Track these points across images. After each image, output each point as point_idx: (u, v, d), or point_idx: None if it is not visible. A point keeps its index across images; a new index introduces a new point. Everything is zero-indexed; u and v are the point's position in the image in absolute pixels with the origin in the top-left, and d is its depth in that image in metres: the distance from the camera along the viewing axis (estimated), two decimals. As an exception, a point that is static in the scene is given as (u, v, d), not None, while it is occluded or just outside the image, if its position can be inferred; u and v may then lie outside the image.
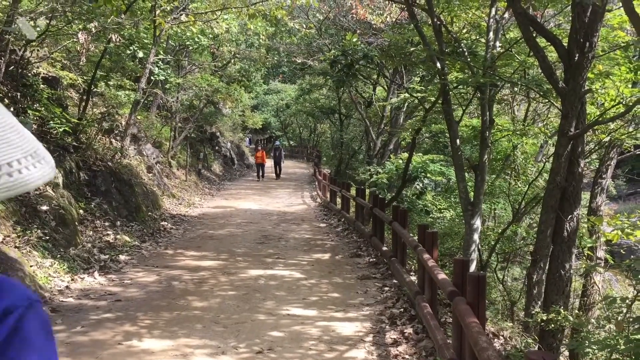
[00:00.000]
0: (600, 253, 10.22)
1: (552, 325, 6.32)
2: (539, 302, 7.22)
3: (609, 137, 9.73)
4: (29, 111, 9.17)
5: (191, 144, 23.04)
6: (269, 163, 27.65)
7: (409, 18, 11.97)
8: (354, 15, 18.80)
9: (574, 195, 7.19)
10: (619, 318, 5.22)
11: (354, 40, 12.39)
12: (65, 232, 8.17)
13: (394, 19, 17.06)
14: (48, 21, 9.22)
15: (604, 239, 9.86)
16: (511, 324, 8.60)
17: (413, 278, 7.13)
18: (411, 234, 8.27)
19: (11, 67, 9.23)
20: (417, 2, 10.64)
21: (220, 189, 22.40)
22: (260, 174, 26.31)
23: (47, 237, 7.68)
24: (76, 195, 9.61)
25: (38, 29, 9.40)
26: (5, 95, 8.87)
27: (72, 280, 7.29)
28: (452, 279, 4.78)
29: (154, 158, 17.45)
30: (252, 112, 37.06)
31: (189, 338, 5.35)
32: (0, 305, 0.82)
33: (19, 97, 9.36)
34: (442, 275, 4.99)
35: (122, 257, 8.86)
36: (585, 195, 11.04)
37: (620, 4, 6.67)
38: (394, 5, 16.81)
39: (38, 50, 10.21)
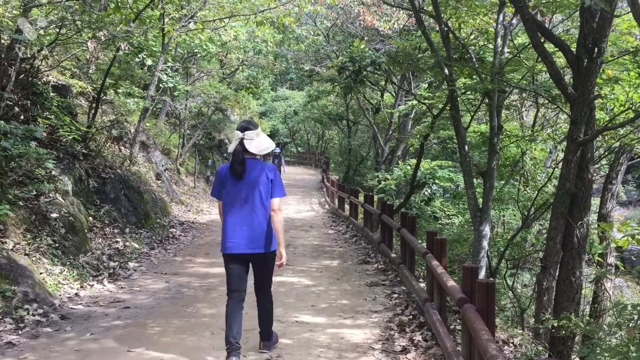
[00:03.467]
0: (611, 259, 10.16)
1: (563, 332, 6.28)
2: (549, 309, 7.18)
3: (618, 143, 9.68)
4: (39, 119, 9.24)
5: (199, 151, 23.12)
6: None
7: (416, 24, 11.98)
8: (362, 22, 18.84)
9: (584, 201, 7.15)
10: (631, 325, 5.18)
11: (362, 46, 12.40)
12: (74, 239, 8.21)
13: (401, 26, 17.08)
14: (58, 30, 9.29)
15: (614, 245, 9.80)
16: (521, 331, 8.55)
17: (422, 285, 7.11)
18: (420, 240, 8.25)
19: (22, 76, 9.30)
20: (425, 8, 10.65)
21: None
22: None
23: (57, 245, 7.72)
24: (85, 202, 9.66)
25: (48, 37, 9.49)
26: (15, 104, 8.94)
27: (82, 287, 7.32)
28: (461, 286, 4.76)
29: (162, 165, 17.52)
30: (261, 118, 37.18)
31: (198, 345, 5.35)
32: (268, 166, 4.90)
33: (29, 105, 9.42)
34: (451, 283, 4.97)
35: (131, 264, 8.89)
36: (595, 201, 10.99)
37: (629, 9, 6.64)
38: (401, 11, 16.83)
39: (48, 59, 10.29)
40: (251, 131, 4.80)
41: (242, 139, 4.77)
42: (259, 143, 4.85)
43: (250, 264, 4.93)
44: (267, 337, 5.20)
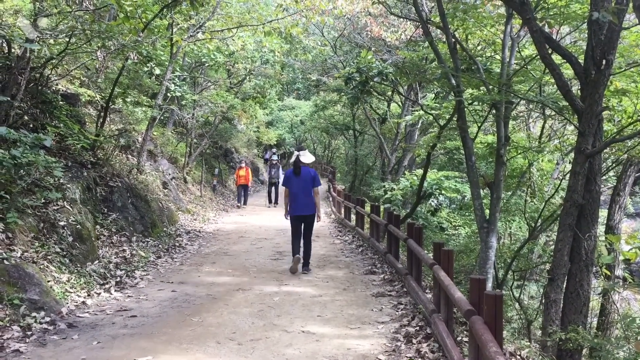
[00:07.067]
0: (619, 272, 10.11)
1: (570, 345, 6.25)
2: (557, 321, 7.14)
3: (626, 155, 9.66)
4: (48, 127, 9.30)
5: (206, 160, 23.18)
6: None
7: (423, 35, 12.02)
8: (369, 33, 18.92)
9: (592, 213, 7.13)
10: (639, 338, 5.15)
11: (369, 57, 12.45)
12: (82, 247, 8.24)
13: (408, 37, 17.14)
14: (68, 39, 9.37)
15: (622, 258, 9.76)
16: (528, 343, 8.51)
17: (429, 296, 7.09)
18: (426, 251, 8.23)
19: (31, 84, 9.38)
20: (432, 19, 10.69)
21: (234, 205, 22.47)
22: (243, 199, 21.70)
23: (65, 253, 7.74)
24: (93, 210, 9.70)
25: (58, 47, 9.58)
26: (25, 112, 9.01)
27: (89, 295, 7.33)
28: (468, 298, 4.75)
29: (169, 174, 17.58)
30: (267, 128, 37.30)
31: (204, 355, 5.35)
32: (312, 170, 9.51)
33: (38, 113, 9.49)
34: (458, 294, 4.96)
35: (137, 273, 8.91)
36: (603, 213, 10.95)
37: (637, 22, 6.65)
38: (408, 23, 16.89)
39: (57, 68, 10.37)
40: (303, 150, 9.51)
41: (298, 155, 9.38)
42: (307, 157, 9.48)
43: (303, 222, 9.38)
44: (307, 265, 9.48)
